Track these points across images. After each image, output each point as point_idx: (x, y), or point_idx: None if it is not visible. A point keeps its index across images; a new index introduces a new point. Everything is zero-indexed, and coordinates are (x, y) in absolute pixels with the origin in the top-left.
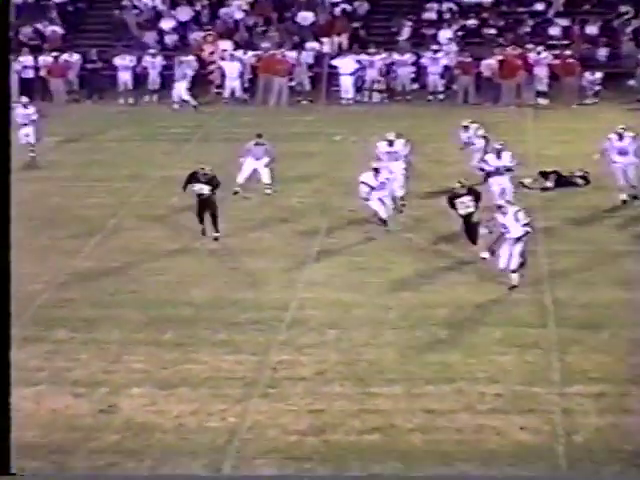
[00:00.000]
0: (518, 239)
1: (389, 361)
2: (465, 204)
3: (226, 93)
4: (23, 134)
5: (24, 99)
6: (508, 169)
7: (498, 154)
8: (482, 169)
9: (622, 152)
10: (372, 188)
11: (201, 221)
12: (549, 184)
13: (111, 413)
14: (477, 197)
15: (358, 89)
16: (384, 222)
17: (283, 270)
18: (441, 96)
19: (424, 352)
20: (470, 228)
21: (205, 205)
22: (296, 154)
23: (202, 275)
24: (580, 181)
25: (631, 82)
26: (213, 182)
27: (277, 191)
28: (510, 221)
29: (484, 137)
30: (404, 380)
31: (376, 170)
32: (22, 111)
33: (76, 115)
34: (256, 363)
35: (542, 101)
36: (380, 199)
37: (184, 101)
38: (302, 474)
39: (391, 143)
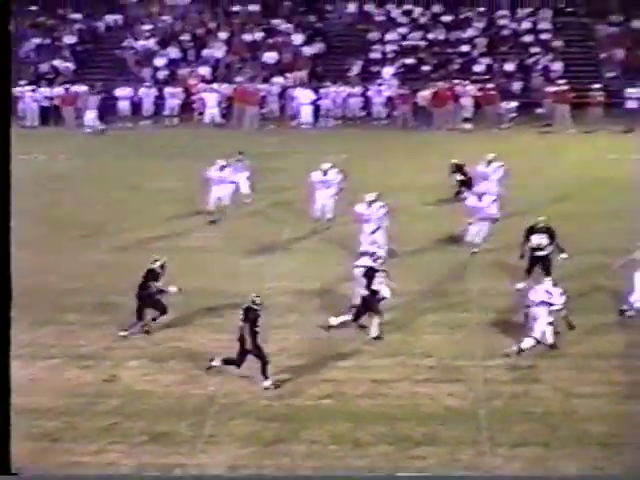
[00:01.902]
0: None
1: (341, 339)
2: (379, 280)
3: (207, 119)
4: None
5: None
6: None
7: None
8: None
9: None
10: None
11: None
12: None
13: (113, 382)
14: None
15: (316, 116)
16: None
17: (255, 265)
18: (384, 122)
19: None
20: (373, 300)
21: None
22: (267, 169)
23: (189, 269)
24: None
25: (539, 110)
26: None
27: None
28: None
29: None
30: (354, 355)
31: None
32: None
33: (84, 137)
34: (232, 341)
35: (467, 126)
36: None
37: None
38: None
39: (325, 172)
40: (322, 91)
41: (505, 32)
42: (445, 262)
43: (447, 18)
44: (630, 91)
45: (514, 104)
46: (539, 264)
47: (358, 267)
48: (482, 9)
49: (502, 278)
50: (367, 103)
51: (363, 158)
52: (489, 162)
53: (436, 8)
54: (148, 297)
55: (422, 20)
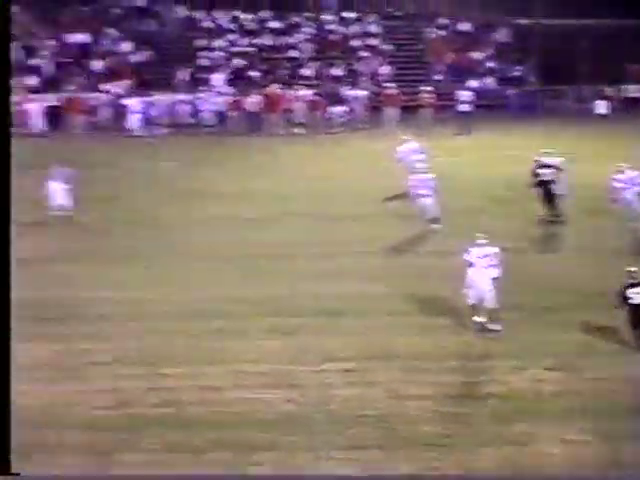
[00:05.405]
0: None
1: (177, 347)
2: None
3: (32, 129)
4: None
5: None
6: None
7: None
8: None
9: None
10: None
11: None
12: None
13: None
14: None
15: (145, 124)
16: None
17: (88, 273)
18: (214, 128)
19: (205, 339)
20: None
21: None
22: (95, 179)
23: (18, 278)
24: None
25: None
26: None
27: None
28: None
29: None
30: (189, 363)
31: None
32: None
33: None
34: (65, 351)
35: (298, 131)
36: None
37: None
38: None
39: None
40: (151, 99)
41: (333, 37)
42: (282, 267)
43: (275, 24)
44: (461, 94)
45: (343, 108)
46: None
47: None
48: (310, 14)
49: (337, 281)
50: (196, 110)
51: (193, 165)
52: None
53: (264, 14)
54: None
55: (250, 26)
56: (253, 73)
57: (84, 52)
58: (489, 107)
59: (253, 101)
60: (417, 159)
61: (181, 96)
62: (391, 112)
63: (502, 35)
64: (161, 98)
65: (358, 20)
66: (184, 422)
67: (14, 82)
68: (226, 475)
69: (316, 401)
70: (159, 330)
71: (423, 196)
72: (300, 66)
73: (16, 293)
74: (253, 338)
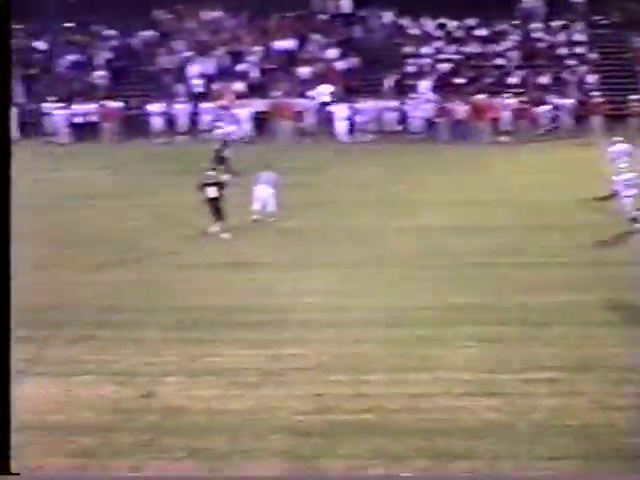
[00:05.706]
0: None
1: (378, 354)
2: None
3: (241, 133)
4: None
5: None
6: None
7: None
8: None
9: None
10: None
11: None
12: None
13: (149, 398)
14: None
15: (351, 130)
16: None
17: (289, 280)
18: (421, 135)
19: (407, 346)
20: None
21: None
22: (302, 184)
23: (222, 285)
24: None
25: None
26: None
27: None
28: None
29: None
30: (391, 369)
31: None
32: None
33: (122, 152)
34: (268, 356)
35: (505, 139)
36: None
37: None
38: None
39: None
40: (358, 106)
41: (540, 45)
42: (486, 276)
43: (481, 31)
44: None
45: (550, 115)
46: None
47: None
48: (516, 22)
49: (542, 291)
50: (403, 117)
51: (399, 172)
52: None
53: (470, 21)
54: None
55: (457, 33)
56: (459, 80)
57: (290, 58)
58: None
59: (460, 109)
60: (625, 160)
61: (388, 103)
62: (597, 121)
63: None
64: (367, 104)
65: (565, 28)
66: (385, 429)
67: (221, 86)
68: (229, 476)
69: (519, 410)
70: (360, 337)
71: (628, 197)
72: (507, 74)
73: (219, 299)
74: (456, 346)
